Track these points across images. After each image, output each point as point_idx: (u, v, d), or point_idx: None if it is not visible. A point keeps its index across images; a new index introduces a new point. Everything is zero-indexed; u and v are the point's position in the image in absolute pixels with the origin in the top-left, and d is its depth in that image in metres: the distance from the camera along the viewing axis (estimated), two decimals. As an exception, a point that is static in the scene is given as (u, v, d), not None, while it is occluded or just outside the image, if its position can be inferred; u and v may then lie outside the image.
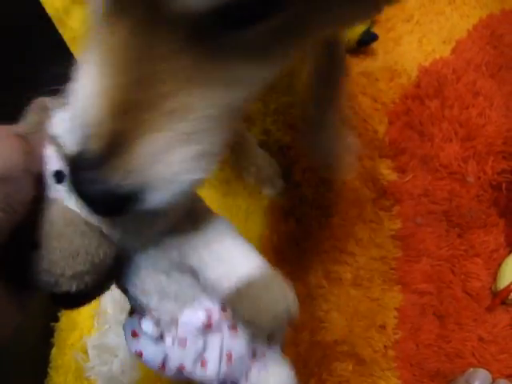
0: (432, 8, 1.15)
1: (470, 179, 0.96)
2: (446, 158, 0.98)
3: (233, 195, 1.04)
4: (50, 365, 0.98)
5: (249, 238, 0.99)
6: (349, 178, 1.00)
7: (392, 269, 0.93)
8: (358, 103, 1.05)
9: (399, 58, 1.09)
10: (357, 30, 1.08)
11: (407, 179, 0.98)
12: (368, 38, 1.09)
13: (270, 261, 0.96)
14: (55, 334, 1.00)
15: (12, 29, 0.75)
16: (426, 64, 1.07)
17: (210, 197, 1.05)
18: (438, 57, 1.08)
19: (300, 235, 0.98)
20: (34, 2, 0.88)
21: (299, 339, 0.91)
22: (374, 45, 1.12)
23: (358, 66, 1.11)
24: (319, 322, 0.91)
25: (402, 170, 0.99)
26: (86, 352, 0.98)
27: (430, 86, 1.03)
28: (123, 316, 1.02)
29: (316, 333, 0.91)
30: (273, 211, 1.01)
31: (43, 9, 0.91)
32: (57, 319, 1.01)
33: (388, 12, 1.15)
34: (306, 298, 0.93)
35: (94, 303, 1.07)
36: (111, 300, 1.01)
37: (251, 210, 1.02)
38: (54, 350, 0.99)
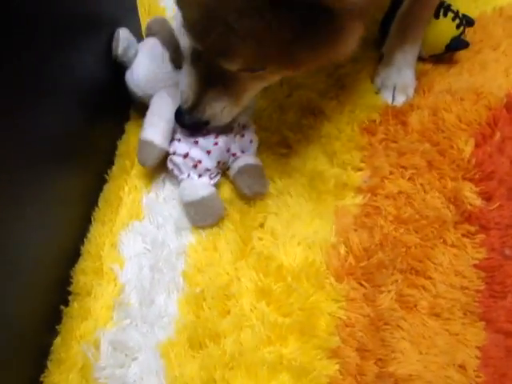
0: (519, 41, 1.09)
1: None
2: (536, 191, 0.89)
3: (291, 194, 0.91)
4: (50, 357, 0.79)
5: (311, 243, 0.86)
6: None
7: (475, 301, 0.81)
8: (442, 119, 0.96)
9: (485, 82, 1.01)
10: (448, 34, 1.01)
11: (493, 207, 0.88)
12: (458, 44, 1.02)
13: (334, 274, 0.83)
14: (62, 321, 0.81)
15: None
16: (514, 92, 1.00)
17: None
18: (524, 89, 1.01)
19: (371, 248, 0.85)
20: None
21: (366, 368, 0.76)
22: (460, 65, 1.05)
23: (440, 83, 1.03)
24: (390, 352, 0.78)
25: (487, 197, 0.89)
26: (98, 348, 0.79)
27: (522, 114, 0.95)
28: (150, 311, 0.85)
29: (386, 363, 0.77)
30: (342, 218, 0.88)
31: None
32: (67, 303, 0.83)
33: (474, 36, 1.09)
34: (376, 320, 0.80)
35: (114, 291, 0.88)
36: (139, 290, 0.84)
37: (316, 213, 0.89)
38: (57, 340, 0.80)
